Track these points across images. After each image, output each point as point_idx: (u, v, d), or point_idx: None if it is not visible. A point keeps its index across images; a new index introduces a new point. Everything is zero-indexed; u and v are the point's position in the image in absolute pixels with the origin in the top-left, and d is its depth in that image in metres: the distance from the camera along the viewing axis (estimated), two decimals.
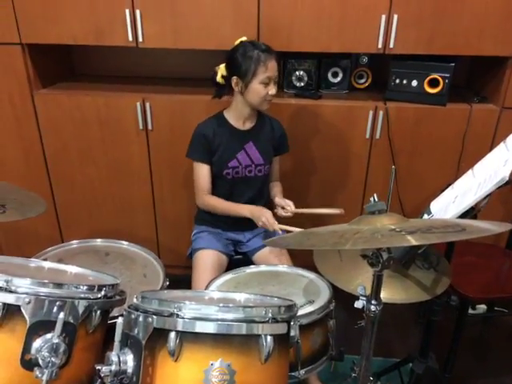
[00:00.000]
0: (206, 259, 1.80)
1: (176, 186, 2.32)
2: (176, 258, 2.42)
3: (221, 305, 0.90)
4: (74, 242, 1.68)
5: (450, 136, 2.12)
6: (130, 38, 2.02)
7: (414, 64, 2.07)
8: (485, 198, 1.18)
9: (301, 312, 1.29)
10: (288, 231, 1.62)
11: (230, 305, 0.91)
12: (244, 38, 1.73)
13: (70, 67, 2.56)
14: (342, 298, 1.38)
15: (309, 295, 1.43)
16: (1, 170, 2.35)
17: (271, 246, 1.01)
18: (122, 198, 2.38)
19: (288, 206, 1.74)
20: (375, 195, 0.97)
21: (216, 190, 1.85)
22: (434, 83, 2.06)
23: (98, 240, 1.72)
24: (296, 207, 1.77)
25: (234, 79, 1.69)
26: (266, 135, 1.86)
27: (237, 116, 1.80)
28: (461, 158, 2.14)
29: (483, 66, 2.25)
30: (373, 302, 0.99)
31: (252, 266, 1.65)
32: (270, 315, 0.93)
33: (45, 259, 1.55)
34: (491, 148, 2.13)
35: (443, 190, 1.58)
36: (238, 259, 1.93)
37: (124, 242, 1.71)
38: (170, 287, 1.50)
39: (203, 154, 1.78)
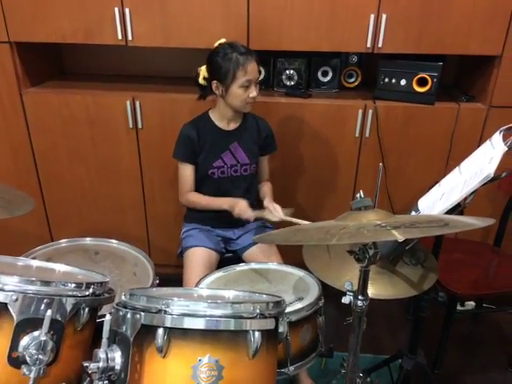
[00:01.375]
0: (197, 257, 1.80)
1: (166, 185, 2.32)
2: (166, 257, 2.42)
3: (209, 301, 0.91)
4: (63, 240, 1.67)
5: (438, 134, 2.14)
6: (120, 37, 2.02)
7: (403, 63, 2.09)
8: (470, 194, 1.19)
9: (290, 309, 1.30)
10: (260, 218, 1.73)
11: (218, 301, 0.91)
12: (223, 40, 1.72)
13: (60, 65, 2.55)
14: (331, 295, 1.38)
15: (298, 292, 1.44)
16: None
17: (260, 242, 1.01)
18: (112, 197, 2.37)
19: (276, 212, 1.73)
20: (361, 191, 0.98)
21: (203, 190, 1.87)
22: (422, 82, 2.08)
23: (88, 239, 1.71)
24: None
25: (214, 83, 1.70)
26: (251, 135, 1.86)
27: (221, 117, 1.82)
28: (449, 156, 2.17)
29: (471, 65, 2.27)
30: (360, 297, 1.00)
31: (242, 264, 1.65)
32: (257, 311, 0.93)
33: (33, 258, 1.54)
34: (479, 146, 2.15)
35: (431, 188, 1.59)
36: (228, 257, 1.93)
37: (113, 241, 1.70)
38: (160, 286, 1.50)
39: (188, 155, 1.81)
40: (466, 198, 1.21)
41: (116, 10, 1.97)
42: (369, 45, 2.00)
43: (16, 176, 2.33)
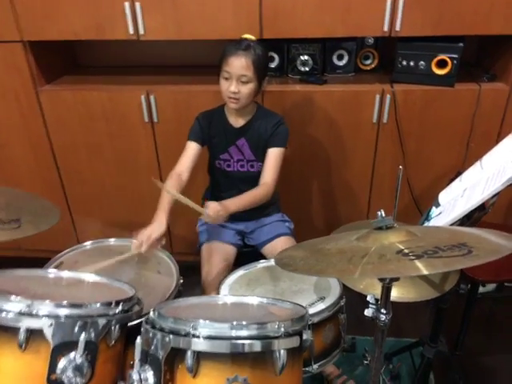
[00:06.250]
0: (213, 252, 1.84)
1: None
2: (187, 246, 2.47)
3: (235, 323, 0.93)
4: (88, 243, 1.71)
5: (458, 117, 2.09)
6: (131, 32, 1.99)
7: (421, 45, 2.01)
8: (493, 196, 1.18)
9: (312, 310, 1.33)
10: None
11: (244, 322, 0.94)
12: (247, 36, 1.68)
13: (73, 59, 2.54)
14: None
15: (320, 291, 1.47)
16: (11, 169, 2.39)
17: (281, 267, 1.02)
18: (132, 190, 2.41)
19: (207, 208, 1.62)
20: (382, 211, 0.98)
21: (214, 182, 1.92)
22: (442, 64, 2.02)
23: (112, 239, 1.75)
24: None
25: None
26: (258, 132, 1.81)
27: (230, 112, 1.81)
28: (469, 139, 2.12)
29: (492, 42, 2.18)
30: (382, 310, 1.02)
31: (263, 261, 1.68)
32: (282, 329, 0.96)
33: (61, 262, 1.60)
34: (500, 128, 2.10)
35: (452, 179, 1.57)
36: (247, 251, 1.95)
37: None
38: (182, 275, 1.54)
39: (196, 134, 1.81)
40: (488, 200, 1.20)
41: (126, 4, 1.93)
42: (386, 28, 1.93)
43: (37, 173, 2.38)
